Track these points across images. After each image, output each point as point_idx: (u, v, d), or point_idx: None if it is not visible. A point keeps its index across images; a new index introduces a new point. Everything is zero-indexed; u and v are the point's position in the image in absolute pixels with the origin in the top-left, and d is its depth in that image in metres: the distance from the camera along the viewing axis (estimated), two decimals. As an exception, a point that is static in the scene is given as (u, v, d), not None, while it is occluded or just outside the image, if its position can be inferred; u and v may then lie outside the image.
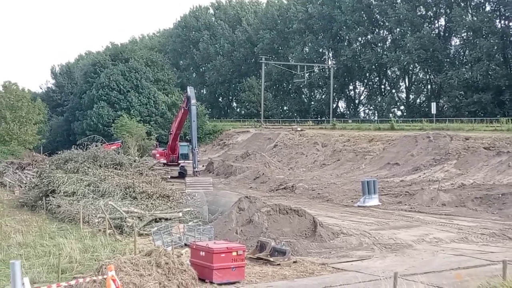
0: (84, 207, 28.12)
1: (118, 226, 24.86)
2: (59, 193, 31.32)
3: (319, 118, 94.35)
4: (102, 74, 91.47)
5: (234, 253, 16.38)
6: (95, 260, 18.32)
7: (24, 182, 44.20)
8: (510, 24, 79.84)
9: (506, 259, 15.22)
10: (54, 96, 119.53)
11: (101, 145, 45.17)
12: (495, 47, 76.39)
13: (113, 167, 36.34)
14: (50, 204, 30.65)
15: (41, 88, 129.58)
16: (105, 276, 13.83)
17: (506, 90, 74.04)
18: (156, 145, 70.41)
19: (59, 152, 40.31)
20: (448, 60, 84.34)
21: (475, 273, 16.98)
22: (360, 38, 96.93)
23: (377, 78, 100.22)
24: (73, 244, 20.75)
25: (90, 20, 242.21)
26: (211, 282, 16.19)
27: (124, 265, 14.85)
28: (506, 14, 79.12)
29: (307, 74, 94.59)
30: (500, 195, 33.26)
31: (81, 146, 41.21)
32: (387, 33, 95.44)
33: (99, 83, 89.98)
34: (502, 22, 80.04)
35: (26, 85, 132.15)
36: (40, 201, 32.54)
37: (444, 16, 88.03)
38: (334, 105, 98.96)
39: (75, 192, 31.18)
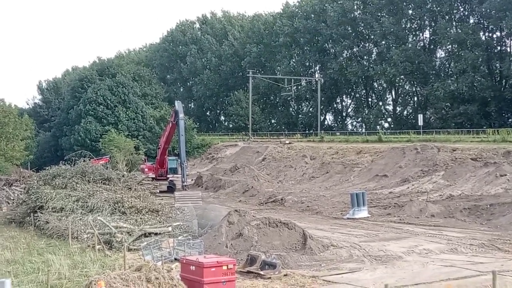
0: (73, 222, 27.94)
1: (107, 242, 24.73)
2: (47, 209, 31.15)
3: (307, 131, 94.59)
4: (89, 89, 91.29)
5: (225, 267, 16.32)
6: (85, 276, 18.18)
7: (12, 198, 43.89)
8: (494, 36, 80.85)
9: (496, 269, 15.30)
10: (41, 111, 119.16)
11: (89, 160, 45.01)
12: (480, 59, 77.18)
13: (101, 182, 36.26)
14: (38, 220, 30.46)
15: (28, 104, 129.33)
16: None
17: (491, 101, 74.69)
18: (145, 159, 70.27)
19: (47, 168, 40.16)
20: (433, 72, 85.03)
21: (465, 284, 17.06)
22: (346, 51, 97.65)
23: (364, 91, 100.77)
24: (62, 260, 20.64)
25: (76, 35, 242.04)
26: (202, 297, 16.12)
27: (114, 280, 14.78)
28: (490, 27, 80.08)
29: (294, 88, 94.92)
30: (488, 206, 33.43)
31: (69, 162, 41.15)
32: (372, 46, 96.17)
33: (86, 98, 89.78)
34: (486, 34, 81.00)
35: (13, 101, 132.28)
36: (28, 217, 32.33)
37: (428, 28, 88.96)
38: (322, 118, 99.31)
39: (63, 208, 31.02)
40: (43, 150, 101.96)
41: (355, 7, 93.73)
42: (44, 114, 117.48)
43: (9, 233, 29.84)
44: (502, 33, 79.04)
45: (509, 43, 79.87)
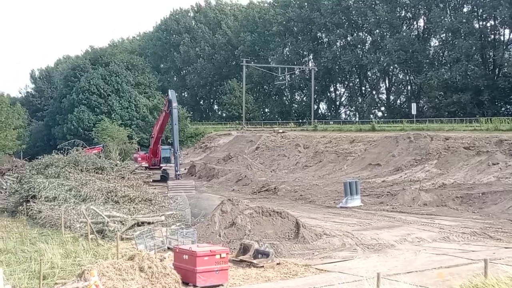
0: (66, 212, 27.82)
1: (100, 231, 24.65)
2: (40, 198, 31.00)
3: (300, 120, 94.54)
4: (82, 78, 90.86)
5: (218, 256, 16.35)
6: (77, 266, 18.14)
7: (4, 187, 43.64)
8: (488, 24, 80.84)
9: (488, 257, 15.35)
10: (34, 100, 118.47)
11: (82, 149, 44.73)
12: (474, 48, 77.20)
13: (94, 171, 36.13)
14: (31, 210, 30.32)
15: (20, 93, 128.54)
16: (87, 283, 13.75)
17: (484, 90, 74.79)
18: (138, 148, 70.06)
19: (40, 157, 39.99)
20: (427, 61, 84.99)
21: (457, 272, 17.12)
22: (339, 40, 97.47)
23: (358, 80, 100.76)
24: (55, 249, 20.55)
25: (69, 23, 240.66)
26: (195, 286, 16.13)
27: (106, 270, 14.76)
28: (484, 16, 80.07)
29: (288, 76, 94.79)
30: (480, 194, 33.60)
31: (61, 151, 40.84)
32: (366, 34, 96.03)
33: (79, 87, 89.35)
34: (480, 23, 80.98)
35: (5, 89, 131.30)
36: (20, 207, 32.19)
37: (423, 17, 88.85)
38: (315, 107, 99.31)
39: (56, 197, 30.87)
40: (36, 139, 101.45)
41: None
42: (36, 103, 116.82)
43: (1, 222, 29.70)
44: (496, 22, 79.02)
45: (502, 31, 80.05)
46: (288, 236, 22.60)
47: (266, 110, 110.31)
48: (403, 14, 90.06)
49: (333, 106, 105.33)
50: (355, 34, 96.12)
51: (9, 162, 62.82)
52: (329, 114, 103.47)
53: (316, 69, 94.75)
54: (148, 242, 21.17)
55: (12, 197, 36.09)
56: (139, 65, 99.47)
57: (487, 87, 74.81)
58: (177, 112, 53.55)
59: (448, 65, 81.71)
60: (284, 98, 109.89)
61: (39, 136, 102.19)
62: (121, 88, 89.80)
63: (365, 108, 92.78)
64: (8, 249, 21.89)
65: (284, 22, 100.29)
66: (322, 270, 18.41)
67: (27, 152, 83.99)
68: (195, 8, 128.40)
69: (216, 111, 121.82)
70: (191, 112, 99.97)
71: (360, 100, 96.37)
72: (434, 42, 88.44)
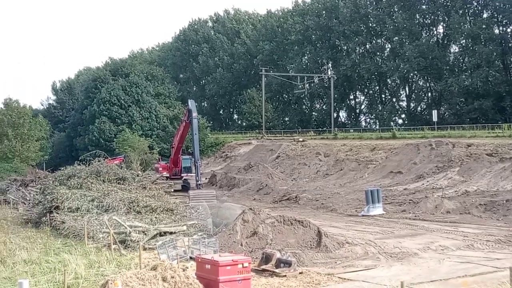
0: (88, 222, 28.03)
1: (123, 241, 24.80)
2: (63, 209, 31.30)
3: (320, 128, 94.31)
4: (103, 89, 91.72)
5: (240, 266, 16.32)
6: (101, 276, 18.27)
7: (28, 199, 44.18)
8: (508, 30, 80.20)
9: (513, 265, 15.19)
10: (56, 112, 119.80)
11: (104, 160, 45.17)
12: (494, 54, 76.58)
13: (116, 181, 36.44)
14: (54, 220, 30.61)
15: (42, 105, 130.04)
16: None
17: (506, 96, 74.12)
18: (159, 158, 70.49)
19: (62, 168, 40.44)
20: (447, 67, 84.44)
21: (482, 280, 16.95)
22: (358, 48, 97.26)
23: (377, 87, 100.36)
24: (78, 260, 20.74)
25: (89, 35, 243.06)
26: (218, 295, 16.14)
27: (130, 280, 14.84)
28: (504, 21, 79.43)
29: (307, 85, 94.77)
30: (504, 201, 33.20)
31: (83, 162, 41.31)
32: (385, 42, 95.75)
33: (100, 98, 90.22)
34: (500, 28, 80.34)
35: (27, 101, 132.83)
36: (44, 218, 32.50)
37: (442, 23, 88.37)
38: (335, 115, 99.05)
39: (79, 208, 31.17)
40: (58, 151, 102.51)
41: (368, 3, 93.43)
42: (58, 115, 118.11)
43: (25, 233, 30.00)
44: (516, 27, 78.42)
45: (523, 37, 79.27)
46: (310, 245, 22.55)
47: (286, 118, 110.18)
48: (422, 21, 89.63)
49: (353, 114, 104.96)
50: (374, 42, 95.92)
51: (32, 174, 63.41)
52: (349, 122, 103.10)
53: (335, 77, 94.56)
54: (170, 252, 21.24)
55: (35, 208, 36.48)
56: (159, 76, 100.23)
57: (509, 93, 74.14)
58: (197, 122, 53.71)
59: (469, 71, 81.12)
60: (304, 106, 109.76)
61: (61, 147, 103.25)
62: (141, 98, 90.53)
63: (385, 115, 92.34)
64: (32, 260, 22.13)
65: (303, 31, 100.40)
66: (345, 279, 18.33)
67: (49, 164, 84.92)
68: (214, 18, 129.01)
69: (236, 120, 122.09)
70: (211, 122, 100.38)
71: (380, 108, 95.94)
72: (454, 48, 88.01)
